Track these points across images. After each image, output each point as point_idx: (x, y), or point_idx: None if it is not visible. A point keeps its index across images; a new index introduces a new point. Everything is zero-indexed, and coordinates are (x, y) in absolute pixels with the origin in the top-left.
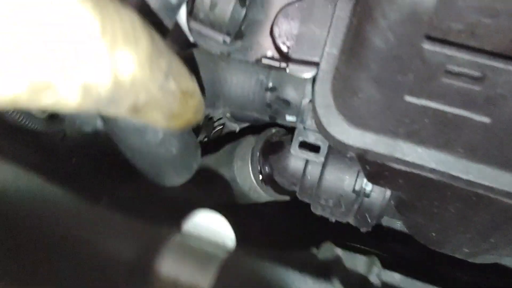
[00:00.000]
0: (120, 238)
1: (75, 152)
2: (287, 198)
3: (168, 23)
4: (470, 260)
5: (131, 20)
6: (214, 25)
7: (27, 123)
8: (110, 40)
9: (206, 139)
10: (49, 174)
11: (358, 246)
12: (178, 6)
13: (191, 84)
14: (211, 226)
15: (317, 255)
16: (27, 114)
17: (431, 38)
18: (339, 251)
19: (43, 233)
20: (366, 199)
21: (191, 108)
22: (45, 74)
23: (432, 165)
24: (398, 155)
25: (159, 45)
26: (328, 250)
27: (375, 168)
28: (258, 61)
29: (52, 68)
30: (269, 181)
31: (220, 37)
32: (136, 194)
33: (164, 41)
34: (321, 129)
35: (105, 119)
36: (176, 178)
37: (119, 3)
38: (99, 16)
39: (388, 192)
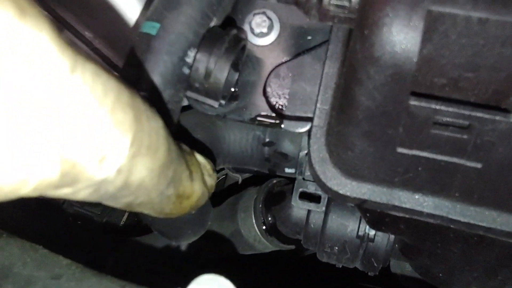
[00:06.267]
0: None
1: (77, 216)
2: (292, 247)
3: (183, 95)
4: None
5: (158, 131)
6: (209, 93)
7: None
8: (134, 151)
9: None
10: (53, 242)
11: (371, 286)
12: (189, 76)
13: (189, 188)
14: None
15: None
16: None
17: (416, 94)
18: None
19: None
20: (370, 243)
21: (185, 208)
22: (74, 158)
23: (430, 210)
24: (396, 202)
25: (172, 154)
26: None
27: (375, 216)
28: (253, 119)
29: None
30: (273, 231)
31: (215, 104)
32: (140, 252)
33: (177, 146)
34: (318, 182)
35: None
36: (192, 237)
37: (152, 111)
38: (131, 131)
39: (392, 236)
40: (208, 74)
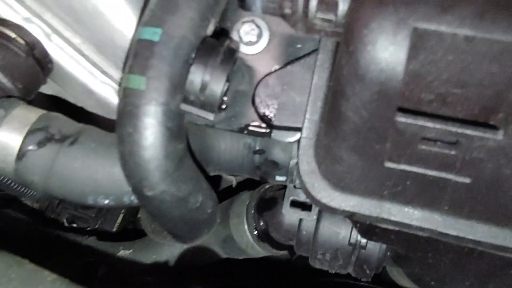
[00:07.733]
0: None
1: (72, 219)
2: (285, 253)
3: None
4: None
5: None
6: (204, 106)
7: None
8: None
9: None
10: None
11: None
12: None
13: None
14: None
15: None
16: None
17: (403, 110)
18: None
19: None
20: (362, 251)
21: None
22: None
23: (419, 223)
24: (385, 215)
25: None
26: None
27: (365, 227)
28: (243, 129)
29: None
30: (265, 237)
31: (211, 116)
32: (133, 261)
33: None
34: (307, 194)
35: (142, 196)
36: (206, 235)
37: None
38: None
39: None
40: (204, 86)
